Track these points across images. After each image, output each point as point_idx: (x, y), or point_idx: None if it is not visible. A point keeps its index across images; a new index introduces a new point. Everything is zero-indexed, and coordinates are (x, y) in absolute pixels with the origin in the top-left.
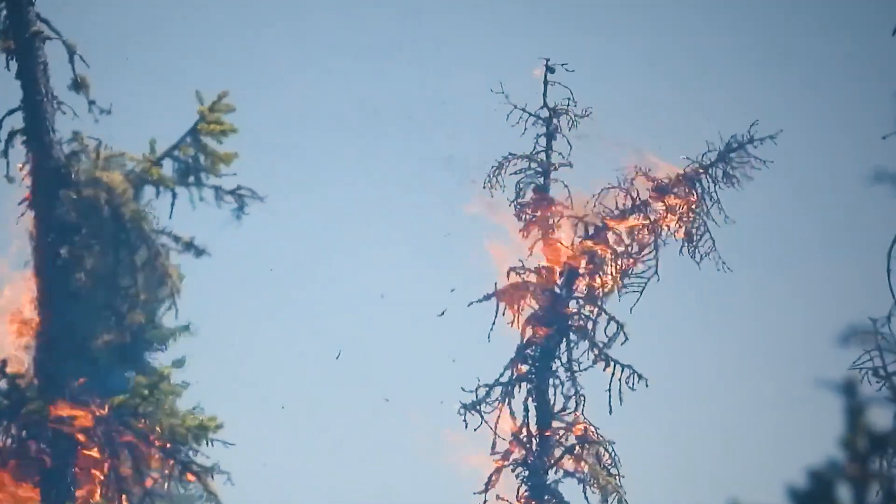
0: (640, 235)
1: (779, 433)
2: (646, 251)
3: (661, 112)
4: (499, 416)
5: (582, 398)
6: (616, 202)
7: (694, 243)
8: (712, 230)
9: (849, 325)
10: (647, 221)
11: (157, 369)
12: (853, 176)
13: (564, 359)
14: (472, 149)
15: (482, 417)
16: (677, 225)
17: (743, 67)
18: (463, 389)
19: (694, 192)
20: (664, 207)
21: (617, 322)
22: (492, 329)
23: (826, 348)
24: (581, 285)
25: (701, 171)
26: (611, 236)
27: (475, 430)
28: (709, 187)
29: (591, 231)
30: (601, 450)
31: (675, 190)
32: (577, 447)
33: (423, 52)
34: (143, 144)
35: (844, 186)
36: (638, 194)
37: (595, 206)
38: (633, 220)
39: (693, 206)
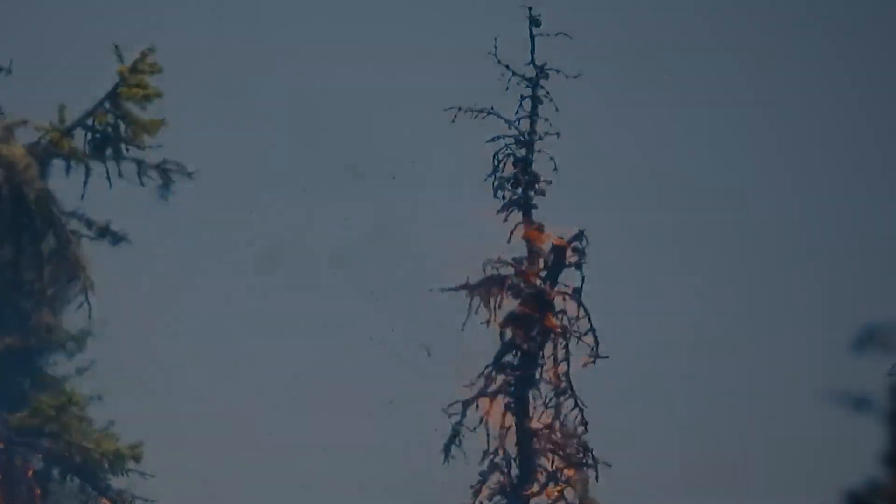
0: None
1: (807, 449)
2: None
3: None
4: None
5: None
6: None
7: None
8: None
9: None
10: None
11: (60, 381)
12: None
13: (549, 365)
14: None
15: (462, 450)
16: None
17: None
18: (446, 413)
19: None
20: None
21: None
22: (463, 328)
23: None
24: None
25: None
26: None
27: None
28: None
29: None
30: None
31: None
32: (564, 471)
33: None
34: (51, 111)
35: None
36: None
37: None
38: None
39: None
